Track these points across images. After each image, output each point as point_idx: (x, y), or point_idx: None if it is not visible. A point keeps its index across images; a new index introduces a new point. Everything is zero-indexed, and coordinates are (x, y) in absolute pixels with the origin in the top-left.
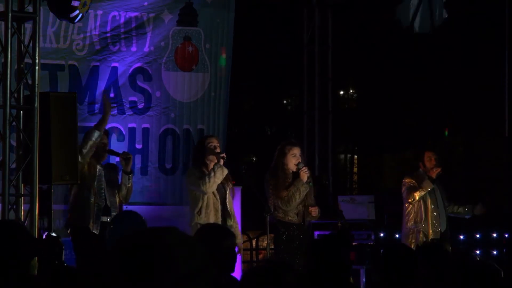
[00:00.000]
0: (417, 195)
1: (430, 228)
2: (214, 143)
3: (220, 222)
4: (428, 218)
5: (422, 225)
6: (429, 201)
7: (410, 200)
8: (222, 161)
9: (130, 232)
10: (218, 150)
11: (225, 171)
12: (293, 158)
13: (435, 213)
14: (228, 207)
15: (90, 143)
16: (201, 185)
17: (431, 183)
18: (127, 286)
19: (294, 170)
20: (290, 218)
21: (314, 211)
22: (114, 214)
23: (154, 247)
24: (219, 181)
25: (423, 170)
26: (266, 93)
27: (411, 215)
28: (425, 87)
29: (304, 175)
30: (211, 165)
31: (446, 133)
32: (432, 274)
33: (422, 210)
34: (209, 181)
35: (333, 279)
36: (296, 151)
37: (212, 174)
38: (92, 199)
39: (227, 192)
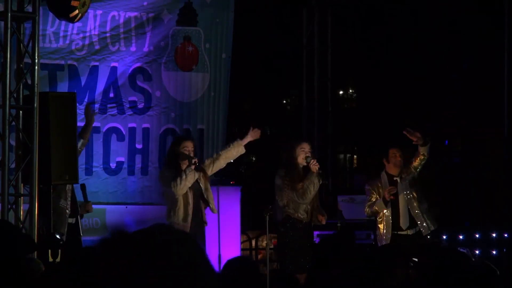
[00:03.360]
0: (375, 210)
1: (384, 229)
2: (189, 147)
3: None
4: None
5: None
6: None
7: (371, 213)
8: (193, 166)
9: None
10: (192, 154)
11: (196, 175)
12: (302, 153)
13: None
14: (206, 196)
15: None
16: (172, 186)
17: (384, 205)
18: (117, 284)
19: (304, 164)
20: (300, 215)
21: (322, 220)
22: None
23: (142, 244)
24: (189, 184)
25: (386, 170)
26: (266, 93)
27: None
28: (425, 87)
29: (314, 167)
30: (183, 167)
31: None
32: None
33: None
34: (180, 184)
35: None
36: (305, 146)
37: (184, 176)
38: (66, 205)
39: (201, 183)
